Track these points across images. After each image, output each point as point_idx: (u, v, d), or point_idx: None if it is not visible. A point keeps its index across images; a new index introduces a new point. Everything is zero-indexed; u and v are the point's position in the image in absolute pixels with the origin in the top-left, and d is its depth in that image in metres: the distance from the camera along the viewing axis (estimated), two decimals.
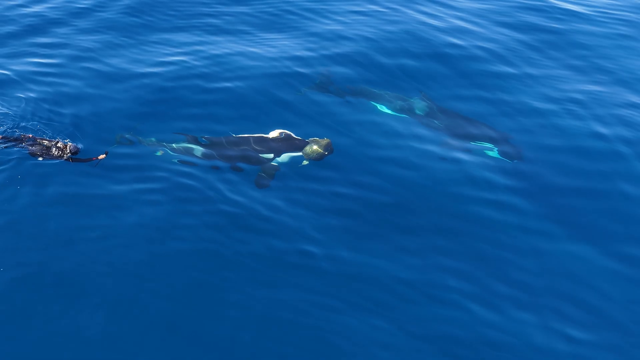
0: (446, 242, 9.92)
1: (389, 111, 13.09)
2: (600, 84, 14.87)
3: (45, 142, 10.52)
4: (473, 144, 12.31)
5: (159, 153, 11.15)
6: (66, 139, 10.91)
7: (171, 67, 14.03)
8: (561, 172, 11.86)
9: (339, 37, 15.85)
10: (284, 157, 11.32)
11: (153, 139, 11.46)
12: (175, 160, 11.14)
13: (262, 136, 11.60)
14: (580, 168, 12.00)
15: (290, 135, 11.56)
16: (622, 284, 9.52)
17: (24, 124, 11.54)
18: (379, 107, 13.16)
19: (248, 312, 8.65)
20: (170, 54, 14.59)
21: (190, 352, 8.11)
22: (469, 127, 12.69)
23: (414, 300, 8.97)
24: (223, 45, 15.16)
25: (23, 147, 10.50)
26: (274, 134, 11.66)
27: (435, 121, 12.82)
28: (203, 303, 8.76)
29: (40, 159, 10.38)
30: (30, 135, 10.64)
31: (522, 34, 16.92)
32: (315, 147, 11.27)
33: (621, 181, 11.75)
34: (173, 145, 11.43)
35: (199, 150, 11.35)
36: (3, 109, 11.95)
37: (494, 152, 12.12)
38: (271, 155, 11.28)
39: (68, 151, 10.39)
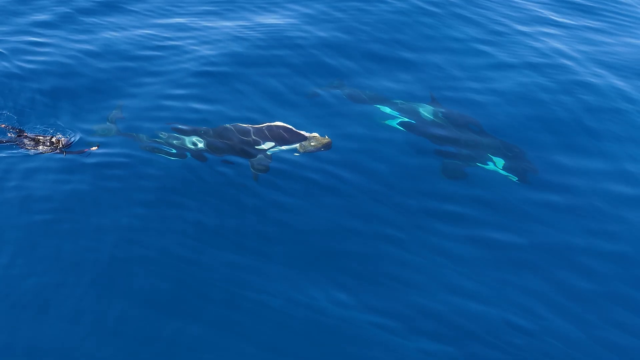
0: (403, 234, 9.82)
1: (393, 113, 12.75)
2: (599, 77, 14.58)
3: (40, 138, 10.90)
4: (474, 155, 11.79)
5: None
6: (59, 134, 11.21)
7: (165, 52, 14.25)
8: (546, 168, 11.66)
9: (338, 30, 15.75)
10: (279, 149, 11.14)
11: (142, 135, 11.53)
12: (162, 146, 11.19)
13: (259, 126, 11.44)
14: (565, 164, 11.77)
15: (290, 128, 11.35)
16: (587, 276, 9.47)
17: (11, 104, 11.87)
18: (382, 110, 12.86)
19: (207, 293, 8.78)
20: (164, 39, 14.80)
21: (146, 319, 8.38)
22: (475, 137, 12.18)
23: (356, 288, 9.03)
24: (216, 30, 15.26)
25: (19, 144, 10.89)
26: (272, 125, 11.49)
27: (440, 126, 12.40)
28: (161, 278, 8.95)
29: (32, 151, 10.77)
30: (26, 134, 11.01)
31: (524, 26, 16.66)
32: (313, 143, 11.13)
33: (606, 180, 11.51)
34: (160, 134, 11.40)
35: (187, 136, 11.30)
36: None
37: (496, 166, 11.61)
38: (266, 146, 11.11)
39: (61, 145, 10.80)
